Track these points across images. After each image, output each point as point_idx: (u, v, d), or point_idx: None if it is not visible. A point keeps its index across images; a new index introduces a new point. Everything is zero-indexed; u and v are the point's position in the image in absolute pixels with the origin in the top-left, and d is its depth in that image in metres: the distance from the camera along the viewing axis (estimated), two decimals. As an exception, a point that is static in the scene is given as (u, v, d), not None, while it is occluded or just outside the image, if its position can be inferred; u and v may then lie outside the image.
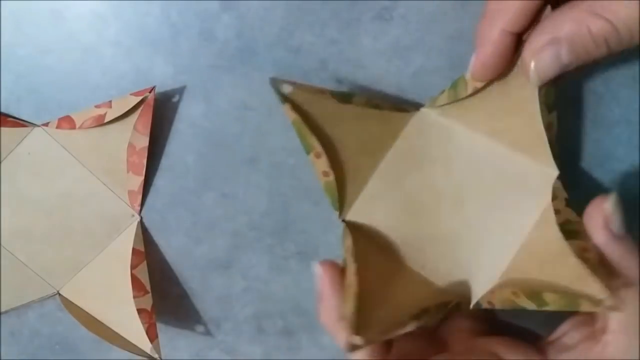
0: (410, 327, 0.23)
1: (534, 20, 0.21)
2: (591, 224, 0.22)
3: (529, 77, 0.21)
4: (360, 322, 0.21)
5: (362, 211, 0.28)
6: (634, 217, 0.31)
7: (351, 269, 0.23)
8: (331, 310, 0.24)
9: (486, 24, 0.22)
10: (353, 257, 0.24)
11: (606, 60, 0.22)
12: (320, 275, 0.24)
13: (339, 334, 0.23)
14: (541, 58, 0.21)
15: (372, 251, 0.27)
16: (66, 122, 0.31)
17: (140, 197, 0.32)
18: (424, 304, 0.24)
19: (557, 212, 0.23)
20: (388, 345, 0.25)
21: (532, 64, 0.21)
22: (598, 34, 0.20)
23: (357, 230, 0.27)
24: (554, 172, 0.25)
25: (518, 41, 0.22)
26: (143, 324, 0.31)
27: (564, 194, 0.25)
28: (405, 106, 0.28)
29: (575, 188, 0.31)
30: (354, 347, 0.21)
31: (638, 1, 0.19)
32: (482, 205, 0.26)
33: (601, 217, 0.22)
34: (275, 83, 0.24)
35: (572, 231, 0.22)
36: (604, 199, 0.22)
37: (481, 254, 0.26)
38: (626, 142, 0.30)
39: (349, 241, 0.25)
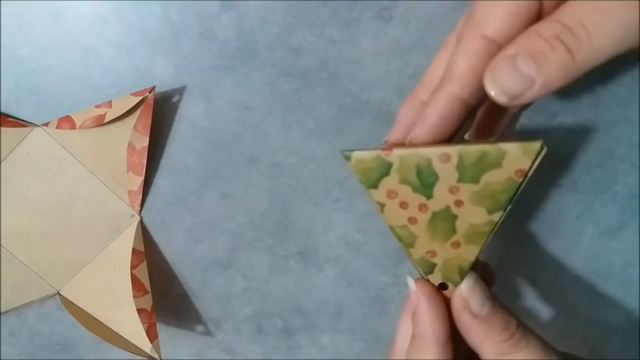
0: None
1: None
2: (455, 309, 0.22)
3: (491, 96, 0.19)
4: None
5: None
6: (633, 216, 0.31)
7: None
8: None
9: (435, 90, 0.21)
10: None
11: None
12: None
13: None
14: (497, 71, 0.19)
15: None
16: (66, 122, 0.31)
17: (140, 197, 0.32)
18: None
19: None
20: None
21: (489, 78, 0.19)
22: (550, 35, 0.18)
23: None
24: None
25: (466, 113, 0.21)
26: (143, 324, 0.31)
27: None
28: None
29: (575, 188, 0.31)
30: None
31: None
32: None
33: (460, 300, 0.22)
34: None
35: None
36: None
37: None
38: (626, 141, 0.30)
39: None
